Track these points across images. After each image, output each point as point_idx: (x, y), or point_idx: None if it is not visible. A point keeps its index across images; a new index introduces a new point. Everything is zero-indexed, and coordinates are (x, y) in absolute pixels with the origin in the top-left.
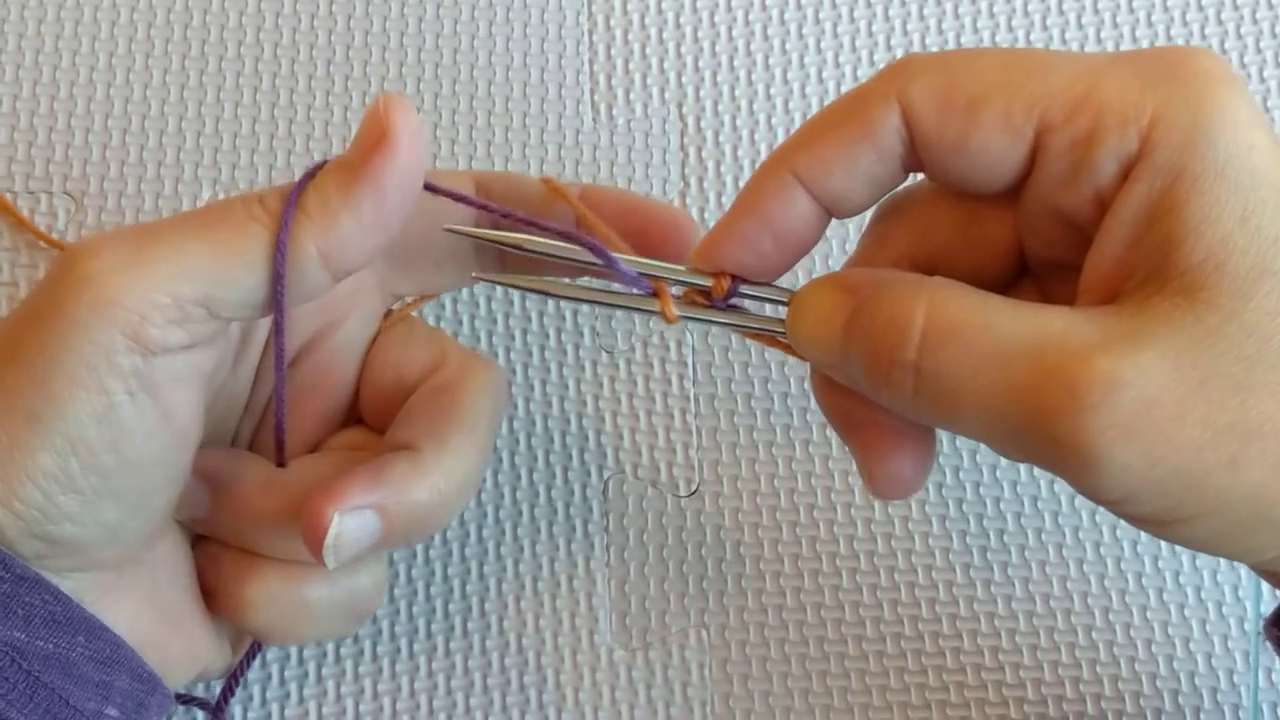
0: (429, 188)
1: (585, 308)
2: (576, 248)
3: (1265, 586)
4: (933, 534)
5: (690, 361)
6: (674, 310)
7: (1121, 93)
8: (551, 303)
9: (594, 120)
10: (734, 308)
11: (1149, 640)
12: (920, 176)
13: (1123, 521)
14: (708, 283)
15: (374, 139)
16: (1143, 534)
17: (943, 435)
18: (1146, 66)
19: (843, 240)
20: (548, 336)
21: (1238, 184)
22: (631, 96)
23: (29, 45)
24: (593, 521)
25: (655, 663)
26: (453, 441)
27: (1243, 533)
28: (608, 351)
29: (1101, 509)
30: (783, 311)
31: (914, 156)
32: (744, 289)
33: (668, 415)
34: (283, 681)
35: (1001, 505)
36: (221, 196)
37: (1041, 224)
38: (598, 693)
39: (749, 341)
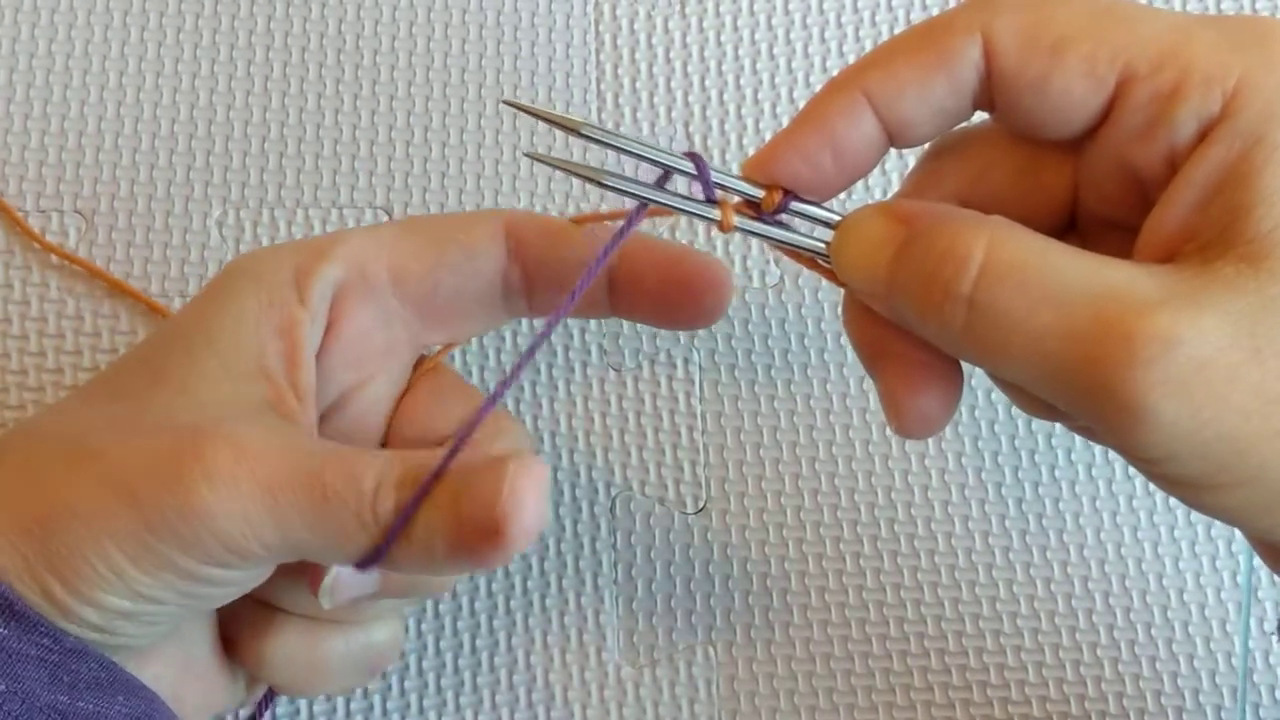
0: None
1: (594, 324)
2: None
3: (1261, 575)
4: (938, 551)
5: (697, 379)
6: (729, 220)
7: (1210, 52)
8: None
9: (599, 112)
10: (781, 225)
11: (1148, 623)
12: (981, 118)
13: (1119, 519)
14: (759, 194)
15: (489, 528)
16: (1145, 525)
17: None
18: (1237, 30)
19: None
20: (555, 354)
21: None
22: (638, 115)
23: (40, 65)
24: (600, 539)
25: (663, 679)
26: None
27: (1277, 506)
28: (615, 369)
29: (1099, 516)
30: (829, 238)
31: (987, 94)
32: (794, 206)
33: (675, 433)
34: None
35: (1007, 523)
36: (231, 215)
37: (1105, 178)
38: (605, 709)
39: (755, 359)
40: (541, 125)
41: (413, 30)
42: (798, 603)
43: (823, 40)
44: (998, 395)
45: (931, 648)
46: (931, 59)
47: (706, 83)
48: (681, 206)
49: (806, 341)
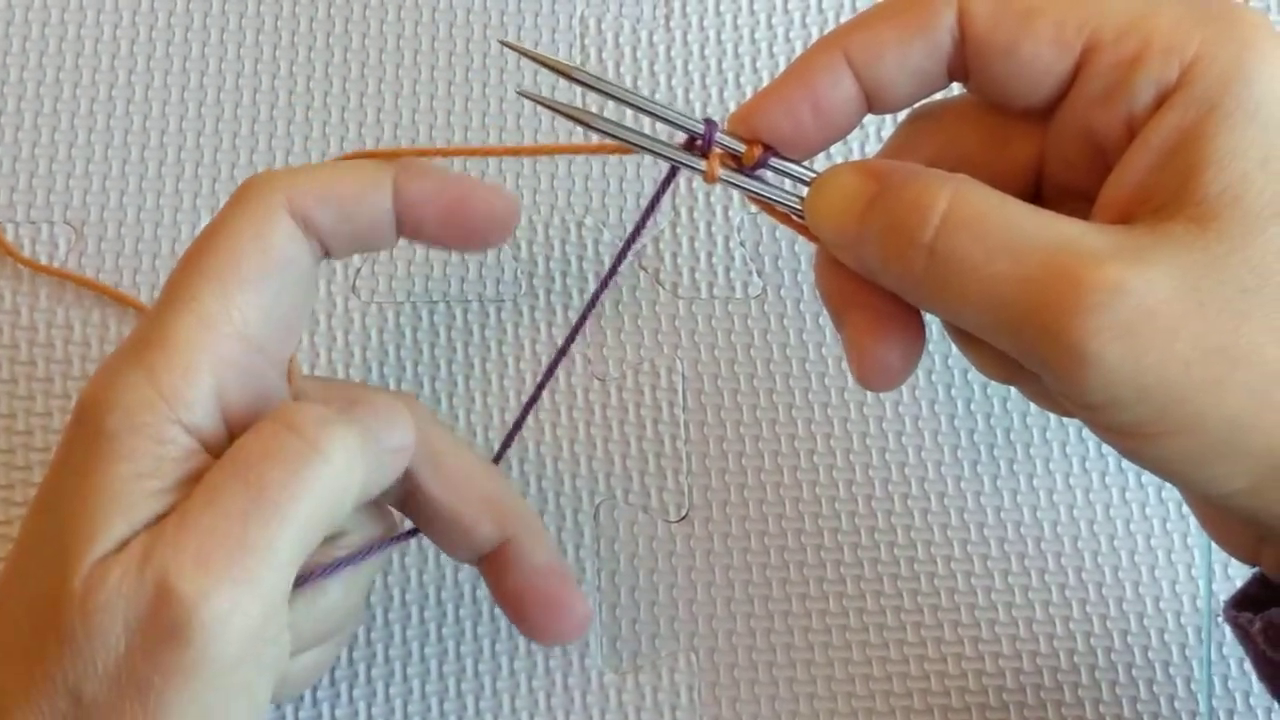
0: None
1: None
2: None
3: (1217, 564)
4: (918, 558)
5: (680, 388)
6: (714, 170)
7: (1172, 24)
8: (544, 330)
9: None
10: (760, 180)
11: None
12: (958, 90)
13: (1084, 506)
14: (741, 148)
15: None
16: (1098, 516)
17: (940, 443)
18: (1201, 6)
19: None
20: (540, 364)
21: (1266, 127)
22: None
23: (30, 77)
24: (584, 546)
25: (645, 686)
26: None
27: (1213, 457)
28: (599, 379)
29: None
30: (806, 194)
31: (960, 60)
32: (774, 162)
33: (658, 441)
34: None
35: (986, 531)
36: None
37: (1068, 144)
38: (588, 715)
39: (737, 368)
40: (527, 139)
41: (400, 43)
42: (779, 609)
43: None
44: (978, 405)
45: (911, 654)
46: (910, 23)
47: (691, 96)
48: (669, 155)
49: (789, 351)
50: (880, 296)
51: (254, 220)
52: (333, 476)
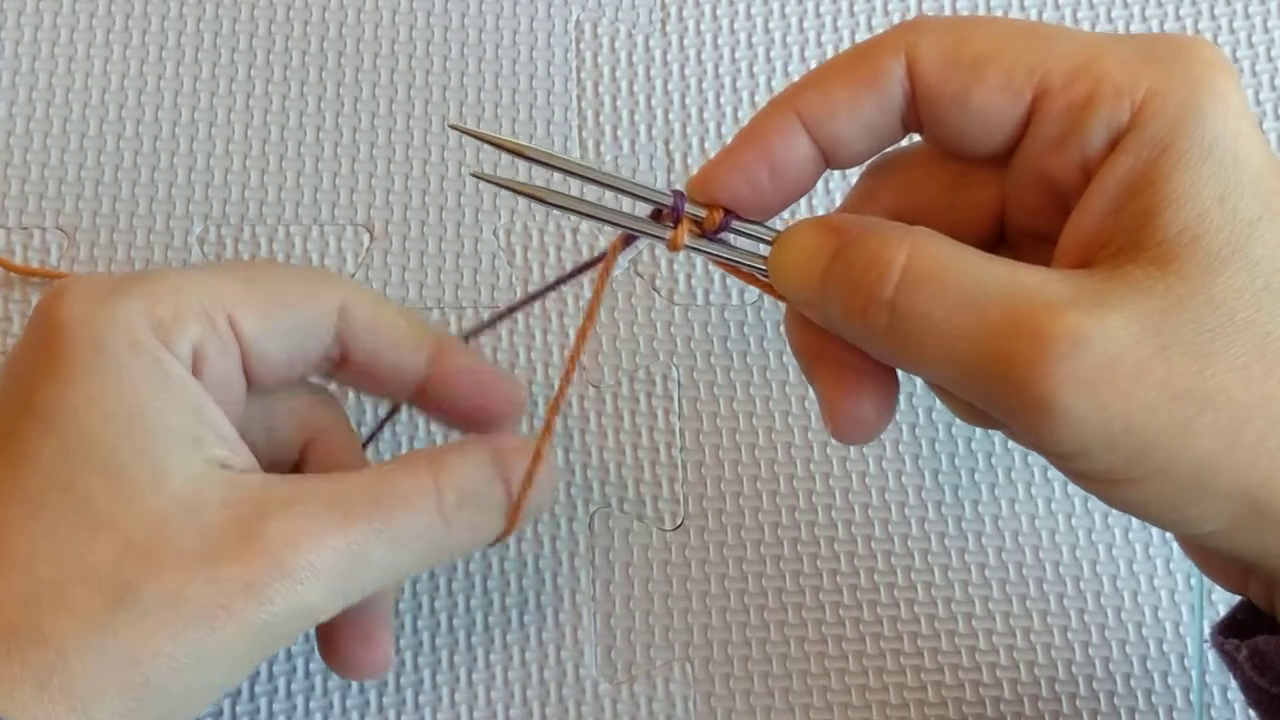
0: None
1: (575, 340)
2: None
3: (1207, 590)
4: (915, 568)
5: (676, 396)
6: (680, 239)
7: (1121, 66)
8: (539, 337)
9: (581, 156)
10: (722, 243)
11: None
12: (917, 139)
13: (1081, 514)
14: (702, 214)
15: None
16: (1080, 541)
17: (938, 445)
18: (1148, 45)
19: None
20: (534, 371)
21: (1221, 165)
22: (619, 133)
23: (22, 82)
24: (579, 555)
25: (640, 696)
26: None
27: (1185, 500)
28: (594, 385)
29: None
30: (769, 253)
31: (914, 112)
32: (735, 225)
33: (654, 450)
34: (271, 716)
35: (983, 540)
36: (213, 231)
37: (1026, 190)
38: None
39: (734, 376)
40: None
41: (394, 47)
42: (775, 619)
43: (802, 59)
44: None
45: (908, 664)
46: (861, 78)
47: (687, 100)
48: (633, 227)
49: (785, 359)
50: (850, 351)
51: (303, 284)
52: None
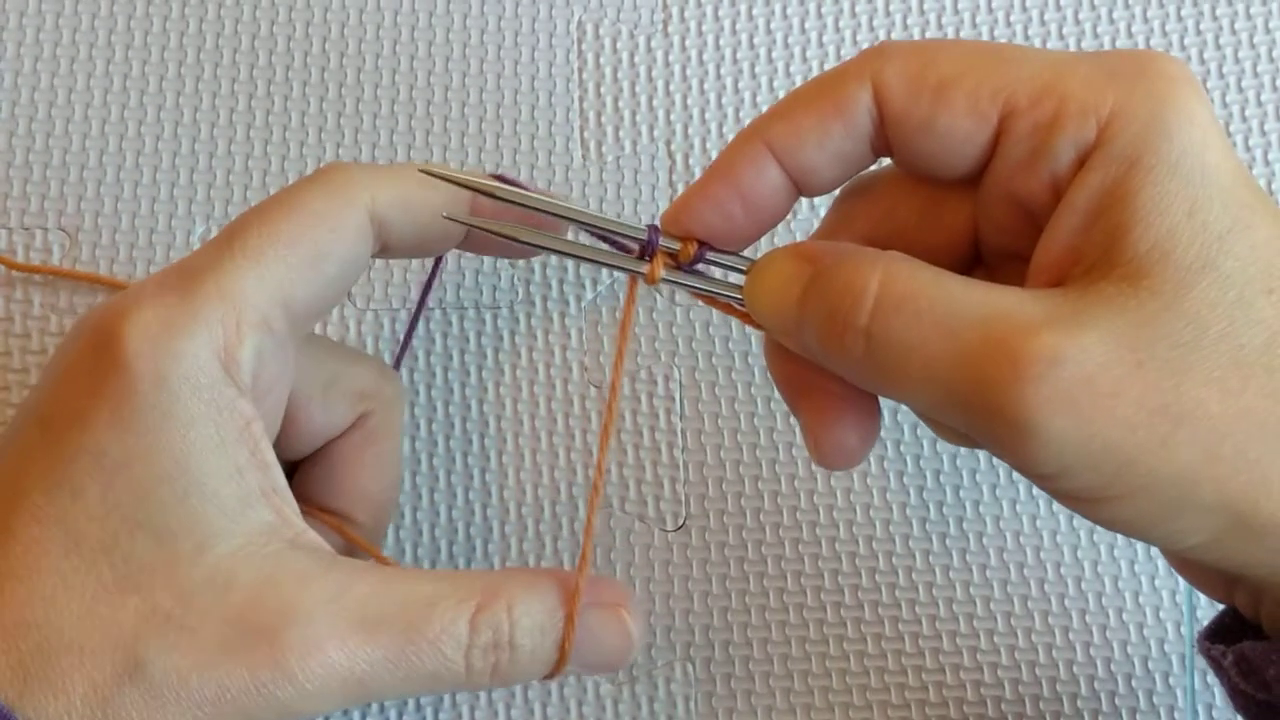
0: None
1: (575, 341)
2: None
3: (1199, 594)
4: (916, 568)
5: (678, 396)
6: (656, 273)
7: (1086, 84)
8: (540, 337)
9: (583, 157)
10: (699, 274)
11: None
12: (888, 162)
13: (1054, 543)
14: (676, 246)
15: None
16: (1081, 542)
17: (937, 447)
18: (1113, 63)
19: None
20: (536, 371)
21: (1189, 179)
22: (620, 134)
23: (25, 82)
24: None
25: (641, 696)
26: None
27: (1168, 515)
28: (596, 386)
29: (1043, 531)
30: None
31: (882, 137)
32: (710, 256)
33: (655, 450)
34: None
35: (985, 540)
36: (214, 232)
37: (998, 210)
38: None
39: (735, 376)
40: (524, 145)
41: (396, 49)
42: (776, 620)
43: (804, 60)
44: None
45: (909, 665)
46: (828, 107)
47: (689, 101)
48: (609, 263)
49: None
50: (831, 379)
51: (335, 210)
52: None
